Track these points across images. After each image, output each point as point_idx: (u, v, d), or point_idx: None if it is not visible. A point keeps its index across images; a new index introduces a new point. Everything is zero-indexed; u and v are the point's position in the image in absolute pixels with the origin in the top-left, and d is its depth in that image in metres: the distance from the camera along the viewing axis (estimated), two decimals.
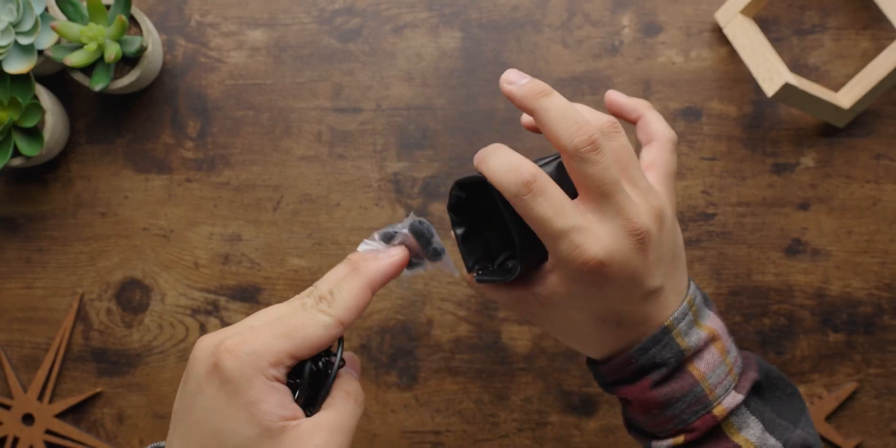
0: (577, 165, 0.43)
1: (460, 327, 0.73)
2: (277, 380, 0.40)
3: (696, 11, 0.73)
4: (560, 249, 0.43)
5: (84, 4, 0.68)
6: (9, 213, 0.76)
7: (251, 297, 0.74)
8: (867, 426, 0.73)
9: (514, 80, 0.45)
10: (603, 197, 0.43)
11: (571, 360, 0.73)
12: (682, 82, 0.73)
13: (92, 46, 0.67)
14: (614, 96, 0.55)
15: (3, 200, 0.76)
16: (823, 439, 0.73)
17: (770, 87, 0.67)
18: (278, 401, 0.39)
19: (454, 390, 0.74)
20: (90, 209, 0.75)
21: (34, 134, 0.70)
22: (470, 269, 0.48)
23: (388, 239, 0.45)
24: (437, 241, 0.46)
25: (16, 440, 0.74)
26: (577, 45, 0.74)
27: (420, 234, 0.46)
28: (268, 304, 0.74)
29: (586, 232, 0.42)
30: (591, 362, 0.51)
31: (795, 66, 0.73)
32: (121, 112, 0.75)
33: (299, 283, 0.74)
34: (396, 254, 0.45)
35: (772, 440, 0.47)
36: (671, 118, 0.73)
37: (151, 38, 0.70)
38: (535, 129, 0.54)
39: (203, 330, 0.75)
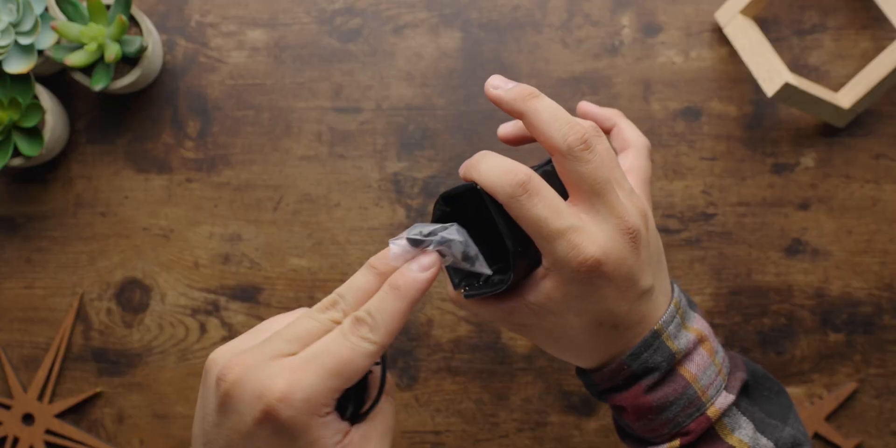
0: (571, 165, 0.43)
1: (460, 327, 0.73)
2: (329, 413, 0.39)
3: (696, 11, 0.73)
4: (557, 250, 0.42)
5: (84, 4, 0.68)
6: (9, 213, 0.76)
7: (251, 297, 0.74)
8: (867, 426, 0.73)
9: (500, 85, 0.45)
10: (596, 196, 0.43)
11: None
12: (681, 82, 0.73)
13: (92, 46, 0.67)
14: (587, 107, 0.56)
15: (3, 200, 0.76)
16: (823, 439, 0.73)
17: (770, 87, 0.67)
18: (333, 431, 0.39)
19: (454, 390, 0.74)
20: (90, 209, 0.75)
21: (34, 134, 0.70)
22: (456, 286, 0.46)
23: (416, 244, 0.42)
24: (473, 246, 0.44)
25: (16, 440, 0.74)
26: (577, 45, 0.74)
27: (461, 247, 0.44)
28: (268, 304, 0.74)
29: (582, 231, 0.42)
30: (582, 372, 0.50)
31: (795, 66, 0.73)
32: (121, 112, 0.75)
33: (299, 282, 0.74)
34: (431, 266, 0.42)
35: (763, 440, 0.47)
36: (671, 118, 0.73)
37: (151, 38, 0.70)
38: (513, 142, 0.54)
39: (203, 330, 0.75)
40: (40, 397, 0.75)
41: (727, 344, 0.73)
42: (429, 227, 0.43)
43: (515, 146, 0.56)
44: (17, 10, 0.66)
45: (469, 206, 0.46)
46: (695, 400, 0.46)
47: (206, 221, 0.74)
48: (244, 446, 0.39)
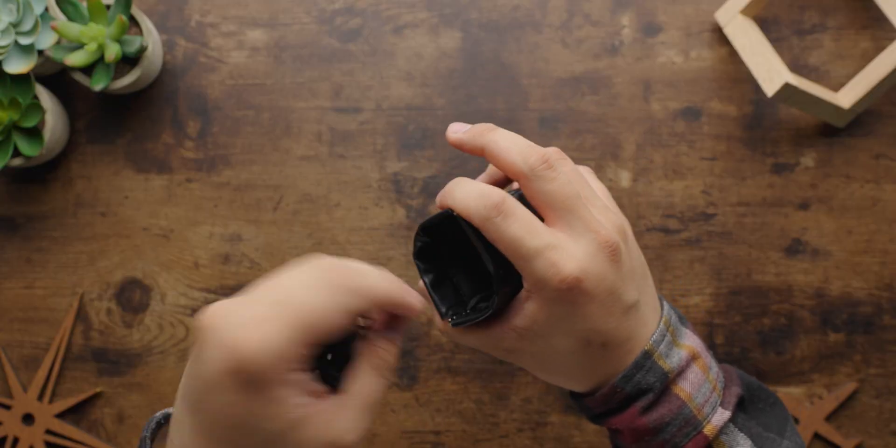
0: (537, 185, 0.43)
1: None
2: (301, 369, 0.37)
3: (696, 11, 0.73)
4: (536, 269, 0.42)
5: (84, 4, 0.68)
6: (9, 213, 0.76)
7: None
8: (867, 426, 0.73)
9: (459, 129, 0.46)
10: (568, 212, 0.43)
11: None
12: (681, 82, 0.73)
13: (92, 46, 0.67)
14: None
15: (3, 200, 0.76)
16: (823, 439, 0.73)
17: (770, 87, 0.67)
18: (299, 392, 0.37)
19: (454, 390, 0.74)
20: (90, 209, 0.75)
21: (34, 134, 0.70)
22: (444, 316, 0.46)
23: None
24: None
25: (16, 440, 0.74)
26: (577, 45, 0.74)
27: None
28: None
29: (560, 249, 0.42)
30: (575, 396, 0.50)
31: (795, 66, 0.73)
32: (121, 112, 0.75)
33: None
34: (416, 302, 0.41)
35: None
36: (671, 118, 0.73)
37: (151, 38, 0.70)
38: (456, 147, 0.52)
39: None
40: (40, 397, 0.75)
41: (727, 344, 0.73)
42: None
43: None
44: (17, 10, 0.66)
45: (449, 234, 0.46)
46: (691, 419, 0.46)
47: (206, 221, 0.74)
48: (210, 397, 0.37)
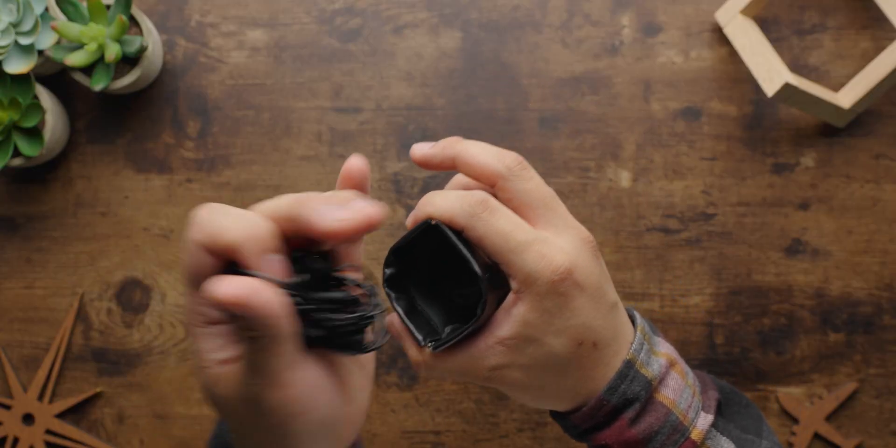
0: (515, 184, 0.43)
1: None
2: (211, 324, 0.38)
3: (696, 11, 0.73)
4: (527, 262, 0.42)
5: (84, 4, 0.68)
6: (9, 213, 0.76)
7: None
8: (867, 426, 0.73)
9: (423, 146, 0.46)
10: (548, 210, 0.44)
11: None
12: (682, 82, 0.73)
13: (92, 46, 0.67)
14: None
15: (3, 200, 0.76)
16: (823, 439, 0.73)
17: (770, 87, 0.67)
18: (216, 346, 0.38)
19: (454, 390, 0.74)
20: (90, 209, 0.75)
21: (34, 134, 0.70)
22: (422, 343, 0.44)
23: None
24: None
25: (16, 440, 0.74)
26: (577, 45, 0.74)
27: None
28: None
29: (548, 242, 0.42)
30: (559, 416, 0.48)
31: (795, 66, 0.73)
32: (121, 112, 0.75)
33: None
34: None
35: None
36: (671, 118, 0.73)
37: (151, 38, 0.70)
38: (429, 165, 0.49)
39: None
40: (40, 397, 0.75)
41: (727, 344, 0.73)
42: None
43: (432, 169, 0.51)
44: (18, 10, 0.66)
45: (419, 259, 0.45)
46: (678, 425, 0.46)
47: None
48: None
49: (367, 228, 0.36)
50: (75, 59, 0.67)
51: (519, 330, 0.43)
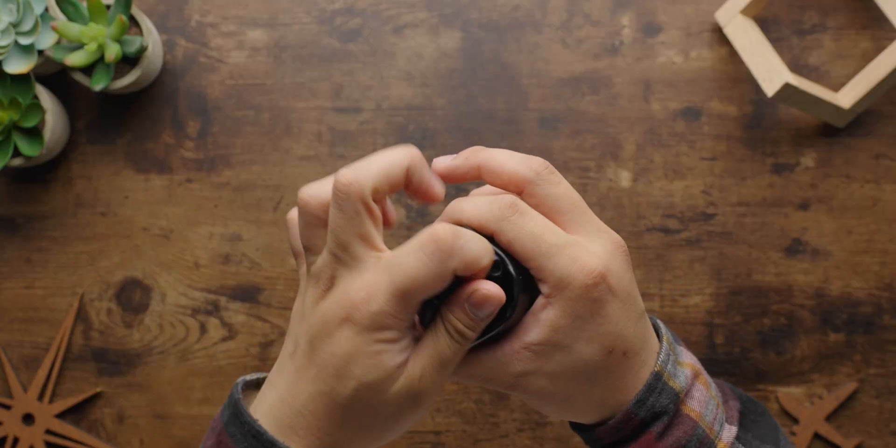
0: (545, 189, 0.42)
1: None
2: (398, 328, 0.40)
3: (696, 11, 0.73)
4: (560, 266, 0.41)
5: (84, 4, 0.68)
6: (9, 213, 0.76)
7: (251, 297, 0.74)
8: (867, 426, 0.73)
9: (445, 159, 0.45)
10: (579, 214, 0.43)
11: None
12: (681, 82, 0.73)
13: (92, 46, 0.67)
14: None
15: (3, 200, 0.76)
16: (823, 439, 0.73)
17: (770, 87, 0.67)
18: (401, 348, 0.40)
19: (454, 390, 0.74)
20: (90, 209, 0.75)
21: (34, 134, 0.70)
22: None
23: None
24: None
25: (16, 440, 0.74)
26: (577, 45, 0.74)
27: None
28: (268, 304, 0.74)
29: (580, 245, 0.41)
30: (582, 429, 0.47)
31: (795, 66, 0.73)
32: (121, 112, 0.75)
33: (299, 282, 0.74)
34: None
35: None
36: (671, 118, 0.73)
37: (151, 38, 0.70)
38: (453, 178, 0.48)
39: (203, 330, 0.74)
40: (40, 397, 0.75)
41: (727, 344, 0.73)
42: None
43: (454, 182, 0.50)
44: (17, 10, 0.66)
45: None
46: (704, 439, 0.44)
47: (207, 221, 0.74)
48: (325, 336, 0.41)
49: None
50: (75, 59, 0.67)
51: (548, 335, 0.42)
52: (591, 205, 0.73)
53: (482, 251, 0.40)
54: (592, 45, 0.74)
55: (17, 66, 0.67)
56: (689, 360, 0.46)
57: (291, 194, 0.74)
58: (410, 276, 0.39)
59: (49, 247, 0.75)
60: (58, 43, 0.68)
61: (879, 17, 0.73)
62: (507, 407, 0.74)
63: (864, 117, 0.73)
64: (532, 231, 0.41)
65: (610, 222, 0.73)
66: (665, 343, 0.45)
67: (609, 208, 0.73)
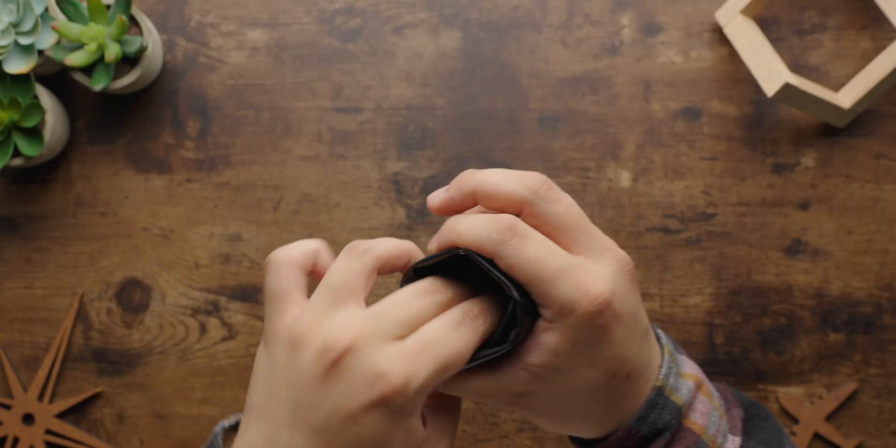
0: (544, 208, 0.40)
1: None
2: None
3: (696, 11, 0.73)
4: (562, 292, 0.39)
5: (84, 4, 0.68)
6: (9, 213, 0.76)
7: (251, 297, 0.74)
8: (867, 426, 0.73)
9: (438, 193, 0.43)
10: (580, 232, 0.41)
11: None
12: (681, 82, 0.73)
13: (92, 46, 0.67)
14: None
15: (3, 200, 0.76)
16: (823, 439, 0.73)
17: (770, 87, 0.67)
18: (420, 419, 0.40)
19: None
20: (90, 209, 0.75)
21: (34, 134, 0.70)
22: None
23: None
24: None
25: (16, 440, 0.74)
26: (577, 45, 0.74)
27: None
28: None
29: (584, 269, 0.39)
30: (580, 443, 0.46)
31: (795, 66, 0.73)
32: (121, 112, 0.75)
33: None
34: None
35: None
36: (671, 118, 0.73)
37: (151, 38, 0.70)
38: (446, 210, 0.47)
39: (203, 330, 0.74)
40: (40, 397, 0.75)
41: (727, 344, 0.73)
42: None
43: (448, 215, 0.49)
44: (17, 10, 0.66)
45: (443, 274, 0.42)
46: None
47: (207, 221, 0.74)
48: (347, 423, 0.37)
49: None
50: (75, 59, 0.67)
51: (549, 360, 0.40)
52: (591, 205, 0.73)
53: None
54: (592, 45, 0.74)
55: (17, 66, 0.67)
56: (690, 371, 0.45)
57: (291, 194, 0.74)
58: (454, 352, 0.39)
59: (49, 247, 0.75)
60: (58, 43, 0.68)
61: (879, 17, 0.73)
62: None
63: (864, 117, 0.73)
64: (532, 256, 0.39)
65: (610, 222, 0.73)
66: (667, 355, 0.44)
67: (609, 208, 0.73)
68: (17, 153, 0.70)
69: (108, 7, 0.70)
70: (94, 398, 0.75)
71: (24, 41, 0.67)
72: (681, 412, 0.43)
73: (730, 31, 0.70)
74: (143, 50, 0.69)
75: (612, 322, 0.40)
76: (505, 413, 0.74)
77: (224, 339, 0.74)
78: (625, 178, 0.73)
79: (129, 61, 0.71)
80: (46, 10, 0.69)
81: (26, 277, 0.76)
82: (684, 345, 0.73)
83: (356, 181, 0.74)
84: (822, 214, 0.73)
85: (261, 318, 0.74)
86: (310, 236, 0.74)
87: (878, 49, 0.73)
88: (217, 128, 0.75)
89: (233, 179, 0.75)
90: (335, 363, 0.37)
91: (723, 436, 0.44)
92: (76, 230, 0.75)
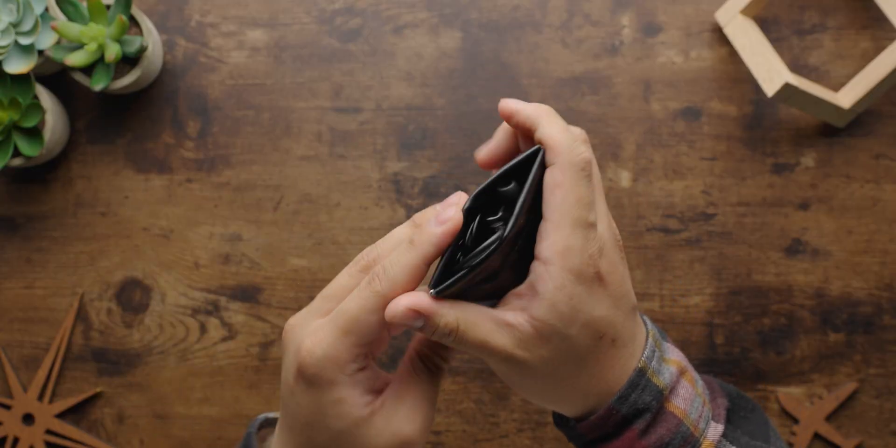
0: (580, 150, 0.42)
1: None
2: (359, 369, 0.42)
3: (696, 11, 0.73)
4: (574, 238, 0.41)
5: (84, 4, 0.68)
6: (9, 213, 0.76)
7: (251, 297, 0.74)
8: (867, 426, 0.73)
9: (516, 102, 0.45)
10: (599, 193, 0.43)
11: None
12: (681, 82, 0.73)
13: (92, 46, 0.67)
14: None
15: (3, 200, 0.76)
16: (823, 439, 0.73)
17: (770, 87, 0.67)
18: (361, 392, 0.42)
19: (454, 390, 0.74)
20: (90, 209, 0.75)
21: (34, 134, 0.70)
22: (431, 288, 0.42)
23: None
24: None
25: (16, 440, 0.74)
26: (577, 45, 0.74)
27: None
28: (268, 304, 0.74)
29: (594, 229, 0.42)
30: (563, 423, 0.47)
31: (795, 66, 0.73)
32: (121, 112, 0.75)
33: (299, 283, 0.74)
34: (447, 220, 0.41)
35: None
36: (671, 118, 0.73)
37: (151, 38, 0.70)
38: (490, 164, 0.49)
39: (203, 330, 0.75)
40: (40, 397, 0.75)
41: (727, 344, 0.73)
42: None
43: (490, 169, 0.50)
44: (17, 10, 0.66)
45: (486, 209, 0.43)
46: (689, 437, 0.44)
47: (207, 221, 0.74)
48: (288, 397, 0.42)
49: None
50: (75, 59, 0.67)
51: (549, 313, 0.41)
52: None
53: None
54: (592, 45, 0.74)
55: (17, 66, 0.67)
56: (675, 357, 0.46)
57: (291, 194, 0.74)
58: (352, 316, 0.41)
59: (49, 247, 0.75)
60: (58, 43, 0.68)
61: (879, 17, 0.73)
62: (507, 407, 0.74)
63: (864, 117, 0.73)
64: (583, 197, 0.41)
65: None
66: (650, 339, 0.45)
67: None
68: (17, 153, 0.70)
69: (108, 7, 0.70)
70: (94, 398, 0.75)
71: (24, 41, 0.67)
72: (662, 395, 0.44)
73: (730, 31, 0.70)
74: (143, 50, 0.69)
75: (596, 285, 0.42)
76: (505, 413, 0.74)
77: (224, 339, 0.74)
78: (625, 178, 0.73)
79: (129, 61, 0.71)
80: (46, 10, 0.69)
81: (26, 277, 0.76)
82: (684, 345, 0.73)
83: (356, 181, 0.74)
84: (822, 214, 0.73)
85: (260, 318, 0.74)
86: (309, 236, 0.74)
87: (878, 49, 0.73)
88: (217, 128, 0.75)
89: (233, 179, 0.75)
90: (284, 341, 0.43)
91: (705, 422, 0.45)
92: (76, 230, 0.75)
